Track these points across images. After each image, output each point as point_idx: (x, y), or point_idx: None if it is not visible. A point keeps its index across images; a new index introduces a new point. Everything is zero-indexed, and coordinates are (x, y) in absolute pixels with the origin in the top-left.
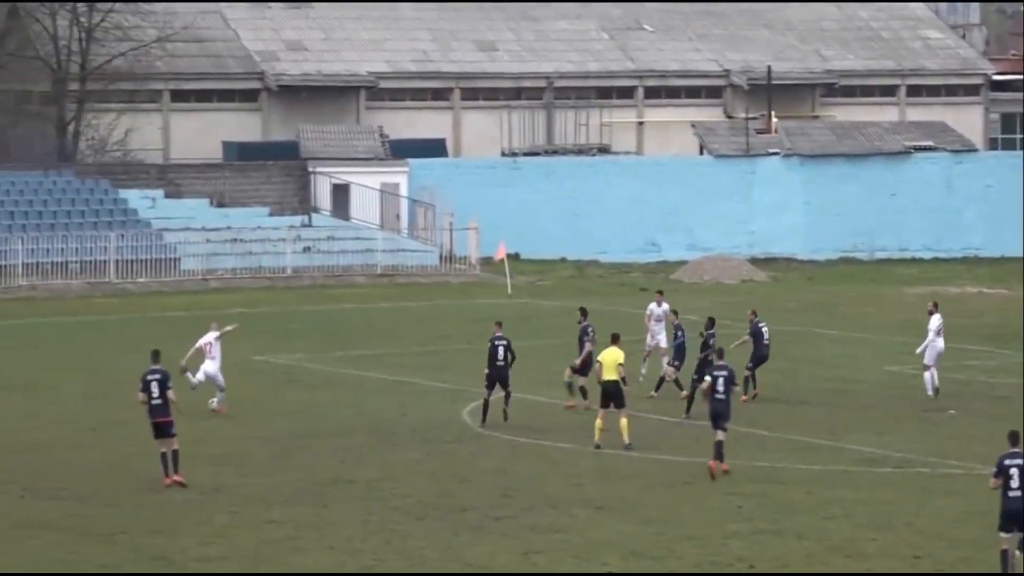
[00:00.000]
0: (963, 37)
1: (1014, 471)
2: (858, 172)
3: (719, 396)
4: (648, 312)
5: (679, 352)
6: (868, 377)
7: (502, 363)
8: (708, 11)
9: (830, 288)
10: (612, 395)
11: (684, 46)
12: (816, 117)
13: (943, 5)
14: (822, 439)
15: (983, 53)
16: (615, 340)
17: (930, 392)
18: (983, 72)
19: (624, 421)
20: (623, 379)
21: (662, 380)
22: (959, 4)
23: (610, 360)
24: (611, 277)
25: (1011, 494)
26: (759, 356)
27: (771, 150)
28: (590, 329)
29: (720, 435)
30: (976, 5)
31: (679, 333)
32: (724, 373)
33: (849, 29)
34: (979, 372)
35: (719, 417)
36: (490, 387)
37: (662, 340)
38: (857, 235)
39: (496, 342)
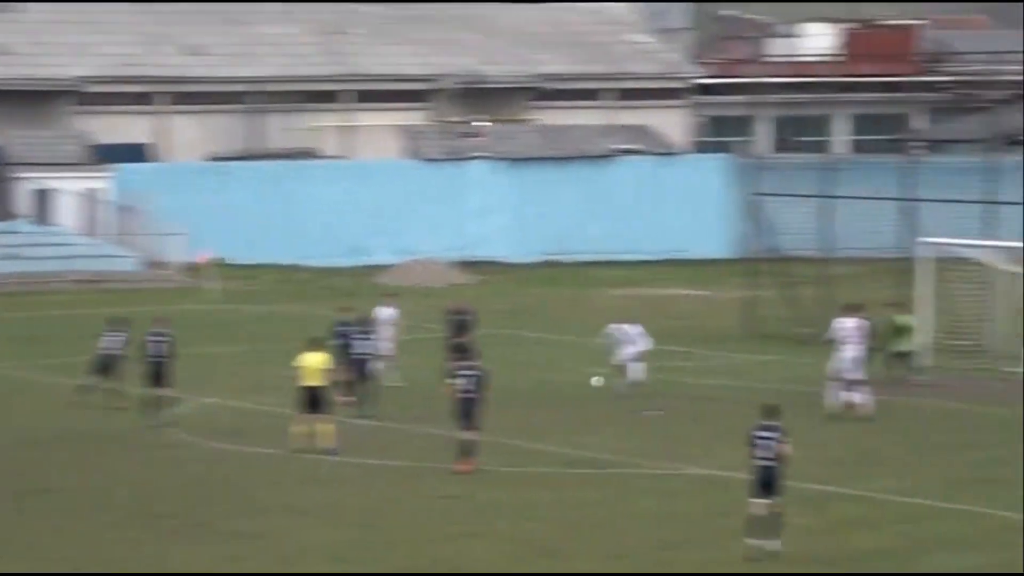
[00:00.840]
0: (668, 41)
1: (766, 443)
2: (565, 175)
3: (466, 395)
4: (373, 315)
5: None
6: (570, 379)
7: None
8: (417, 15)
9: (536, 290)
10: (313, 400)
11: (393, 50)
12: (524, 120)
13: (650, 9)
14: (524, 441)
15: (688, 57)
16: (315, 345)
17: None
18: (689, 76)
19: (325, 427)
20: (326, 385)
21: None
22: (665, 9)
23: (311, 365)
24: (318, 281)
25: (762, 463)
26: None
27: (480, 153)
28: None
29: (469, 435)
30: (682, 9)
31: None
32: (473, 373)
33: (557, 33)
34: (683, 373)
35: (467, 416)
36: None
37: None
38: (563, 238)
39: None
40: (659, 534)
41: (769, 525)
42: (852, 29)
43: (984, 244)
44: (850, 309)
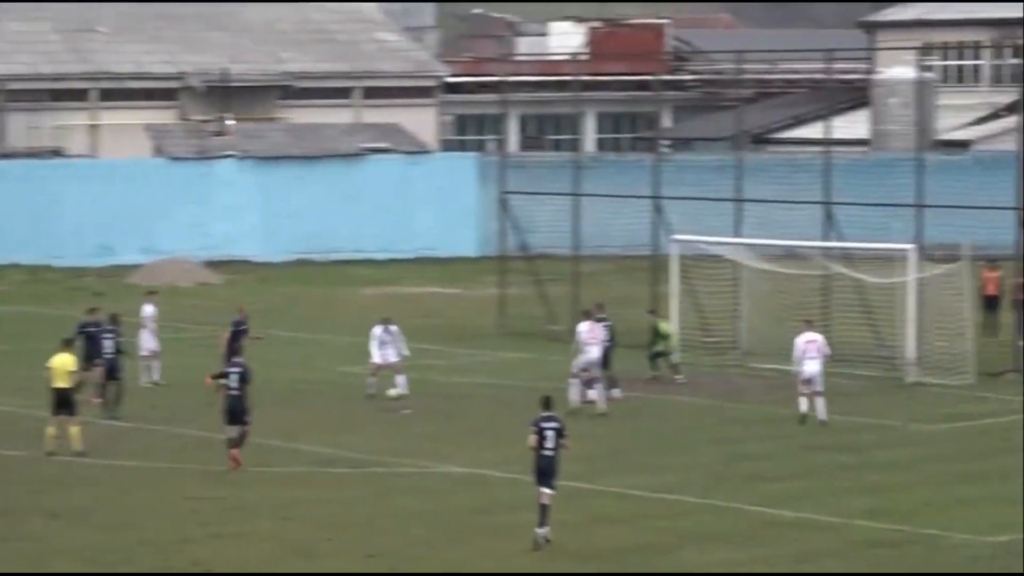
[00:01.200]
0: (417, 40)
1: (549, 433)
2: (313, 174)
3: (233, 392)
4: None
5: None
6: (323, 378)
7: None
8: (162, 13)
9: (286, 290)
10: (63, 402)
11: (139, 48)
12: (273, 119)
13: (397, 8)
14: (279, 441)
15: (437, 55)
16: (67, 346)
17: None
18: (437, 74)
19: (75, 428)
20: (73, 386)
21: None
22: (413, 7)
23: (60, 367)
24: (66, 282)
25: (545, 452)
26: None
27: (228, 152)
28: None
29: (234, 431)
30: (430, 8)
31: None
32: (238, 370)
33: (305, 31)
34: (436, 372)
35: (232, 413)
36: None
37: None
38: (313, 237)
39: None
40: (415, 532)
41: (544, 513)
42: (598, 28)
43: (733, 241)
44: (586, 313)
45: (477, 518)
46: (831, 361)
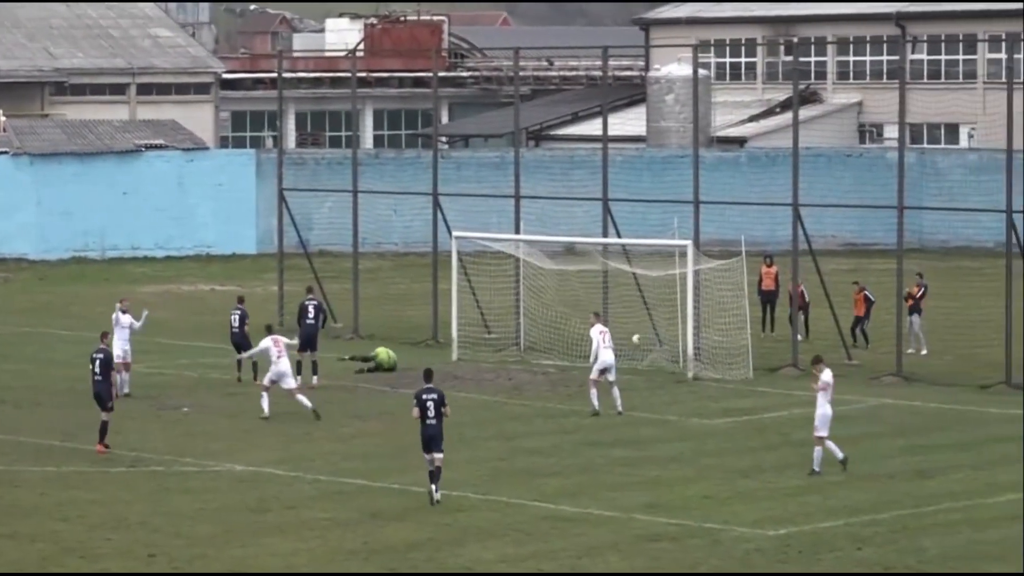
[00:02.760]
0: (193, 35)
1: (429, 403)
2: (89, 171)
3: (96, 378)
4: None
5: None
6: None
7: None
8: None
9: (63, 288)
10: None
11: None
12: (46, 115)
13: (172, 4)
14: (56, 440)
15: (213, 52)
16: None
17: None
18: (213, 70)
19: None
20: None
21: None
22: (189, 3)
23: None
24: None
25: (428, 422)
26: None
27: (0, 149)
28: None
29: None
30: (206, 4)
31: None
32: (101, 356)
33: (78, 27)
34: (214, 369)
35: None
36: None
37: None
38: (89, 234)
39: None
40: (196, 531)
41: (435, 476)
42: (375, 25)
43: (512, 238)
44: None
45: (258, 516)
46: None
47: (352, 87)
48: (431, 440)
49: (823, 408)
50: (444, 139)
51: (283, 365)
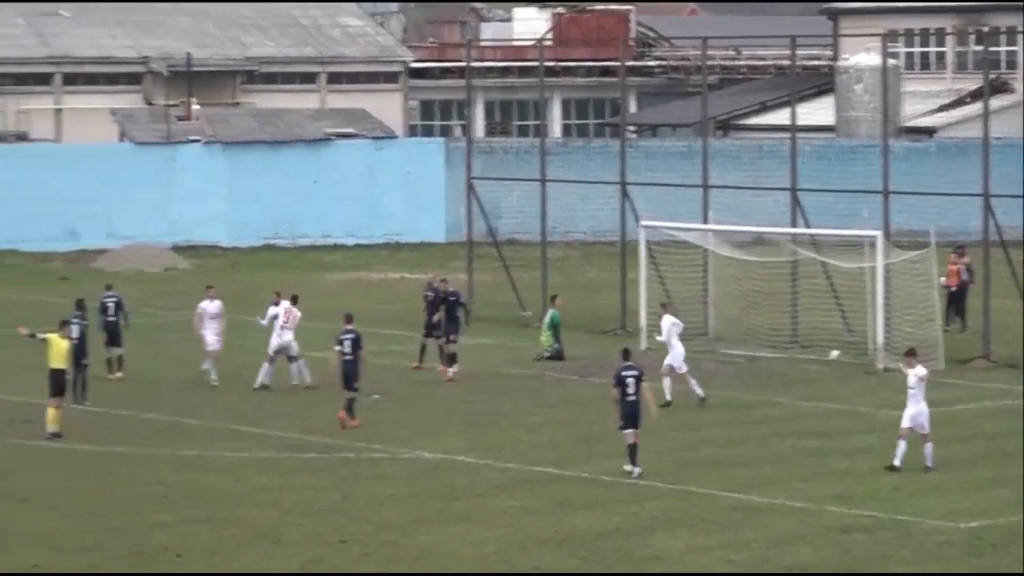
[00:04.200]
0: (382, 25)
1: (630, 380)
2: (280, 159)
3: (347, 357)
4: (200, 311)
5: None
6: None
7: None
8: None
9: (254, 275)
10: (61, 383)
11: (102, 32)
12: (237, 104)
13: None
14: (248, 426)
15: (402, 41)
16: (63, 329)
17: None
18: (402, 59)
19: (53, 412)
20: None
21: None
22: None
23: (61, 348)
24: (31, 267)
25: (629, 399)
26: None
27: (192, 137)
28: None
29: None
30: None
31: None
32: (351, 336)
33: (268, 16)
34: (403, 357)
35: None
36: None
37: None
38: (280, 222)
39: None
40: (386, 518)
41: (633, 452)
42: (563, 14)
43: (701, 227)
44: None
45: (447, 504)
46: (799, 347)
47: (540, 76)
48: (632, 417)
49: (918, 405)
50: (632, 128)
51: (287, 336)
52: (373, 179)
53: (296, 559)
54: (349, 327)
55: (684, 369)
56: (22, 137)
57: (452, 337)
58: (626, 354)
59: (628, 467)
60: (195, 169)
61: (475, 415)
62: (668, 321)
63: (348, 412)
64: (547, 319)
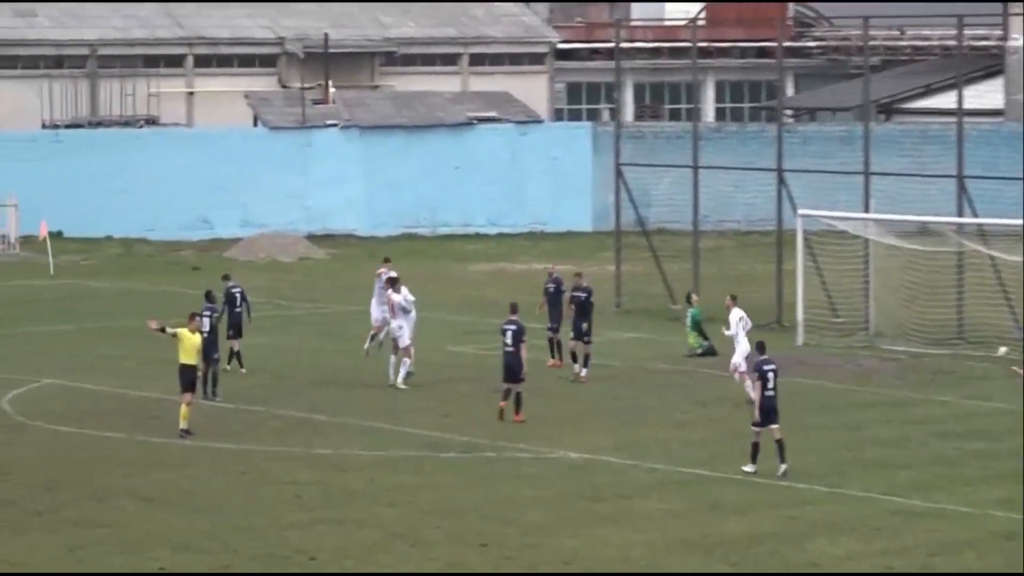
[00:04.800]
0: (527, 4)
1: (770, 375)
2: (419, 144)
3: (508, 349)
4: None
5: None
6: (432, 358)
7: None
8: None
9: (392, 265)
10: (192, 379)
11: (236, 12)
12: (376, 87)
13: None
14: (384, 423)
15: (547, 21)
16: (193, 321)
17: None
18: (547, 40)
19: (185, 408)
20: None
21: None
22: None
23: (193, 342)
24: (161, 256)
25: (768, 393)
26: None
27: (329, 121)
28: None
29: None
30: None
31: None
32: (513, 327)
33: None
34: (545, 352)
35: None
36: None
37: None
38: (419, 210)
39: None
40: (529, 520)
41: (781, 448)
42: None
43: (861, 217)
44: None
45: (592, 505)
46: (965, 343)
47: (693, 58)
48: (771, 412)
49: None
50: (789, 112)
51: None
52: (517, 165)
53: (434, 562)
54: (513, 318)
55: (743, 368)
56: (153, 121)
57: (587, 338)
58: (762, 347)
59: (778, 463)
60: (331, 155)
61: (622, 412)
62: (737, 315)
63: (515, 407)
64: (688, 319)
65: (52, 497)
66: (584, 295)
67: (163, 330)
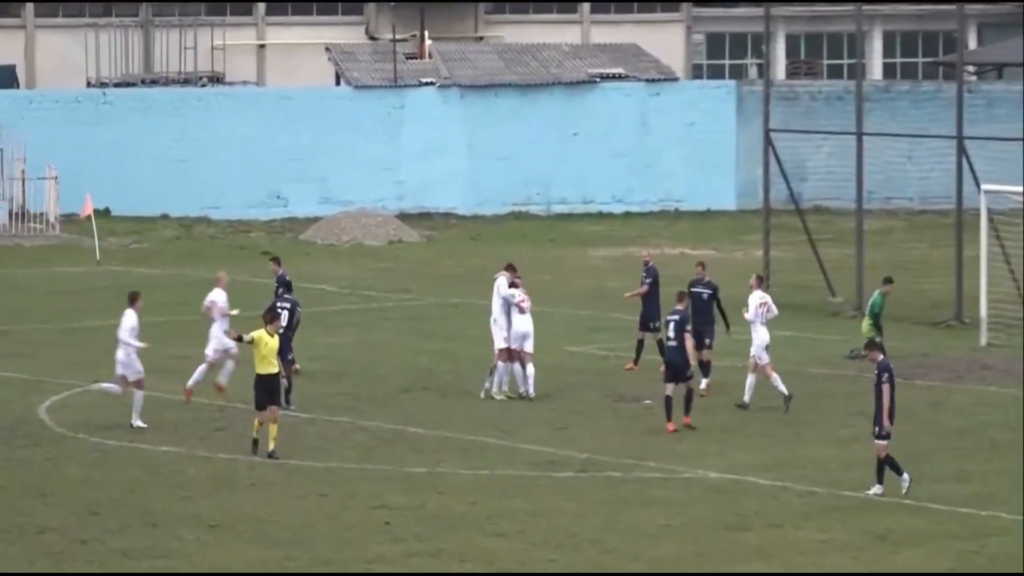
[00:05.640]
0: None
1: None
2: (532, 106)
3: (671, 343)
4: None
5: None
6: (546, 360)
7: None
8: None
9: (498, 250)
10: (273, 391)
11: None
12: (480, 39)
13: None
14: (490, 437)
15: None
16: (270, 318)
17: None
18: None
19: (272, 427)
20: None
21: None
22: None
23: (271, 346)
24: (226, 238)
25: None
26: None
27: (424, 79)
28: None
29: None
30: None
31: None
32: (676, 317)
33: None
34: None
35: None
36: None
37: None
38: (531, 184)
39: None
40: (660, 553)
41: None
42: None
43: None
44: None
45: (736, 535)
46: None
47: (857, 5)
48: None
49: None
50: (971, 69)
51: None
52: (647, 131)
53: None
54: (679, 307)
55: (765, 360)
56: (217, 79)
57: (708, 341)
58: (873, 346)
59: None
60: (427, 119)
61: (771, 425)
62: (757, 298)
63: (685, 407)
64: (870, 302)
65: (98, 523)
66: (707, 292)
67: (240, 339)
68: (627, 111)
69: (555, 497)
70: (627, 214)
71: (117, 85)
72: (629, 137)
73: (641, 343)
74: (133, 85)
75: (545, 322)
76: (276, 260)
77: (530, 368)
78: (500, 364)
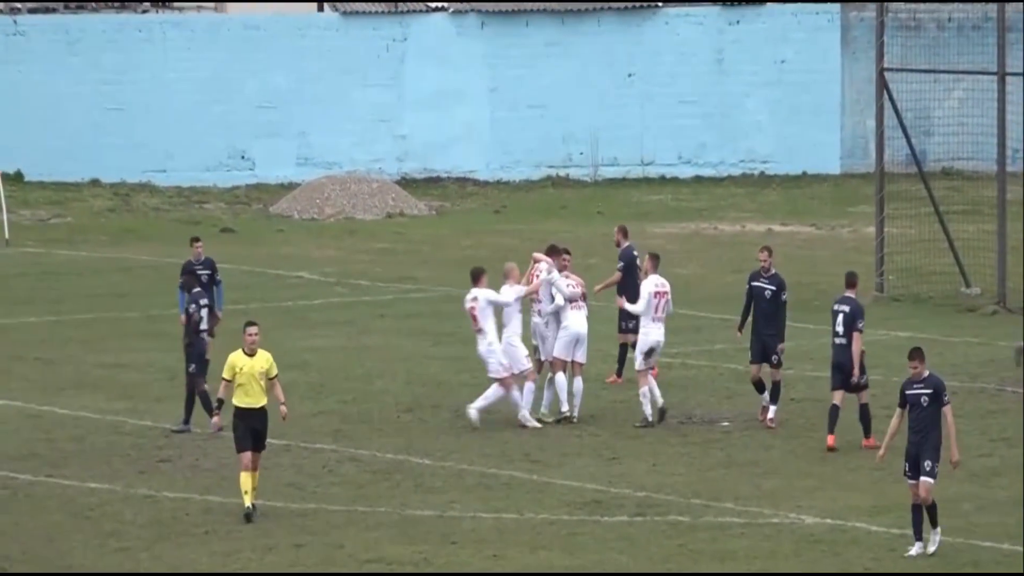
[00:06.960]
0: None
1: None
2: (570, 38)
3: (839, 341)
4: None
5: None
6: (595, 371)
7: None
8: None
9: (529, 227)
10: (258, 430)
11: None
12: None
13: None
14: (518, 471)
15: None
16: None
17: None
18: None
19: (248, 476)
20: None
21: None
22: None
23: (253, 371)
24: (175, 210)
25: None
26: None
27: (434, 4)
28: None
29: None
30: None
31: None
32: (846, 308)
33: None
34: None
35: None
36: None
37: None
38: (572, 141)
39: None
40: None
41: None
42: None
43: None
44: None
45: None
46: None
47: None
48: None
49: None
50: None
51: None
52: (724, 72)
53: None
54: (848, 294)
55: (641, 365)
56: (164, 3)
57: (775, 358)
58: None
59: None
60: (437, 55)
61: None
62: (651, 286)
63: (863, 424)
64: None
65: None
66: (772, 288)
67: (221, 403)
68: (698, 43)
69: (603, 548)
70: (698, 179)
71: (32, 11)
72: (701, 79)
73: (624, 348)
74: (54, 11)
75: (590, 321)
76: (195, 239)
77: (578, 383)
78: (530, 383)
